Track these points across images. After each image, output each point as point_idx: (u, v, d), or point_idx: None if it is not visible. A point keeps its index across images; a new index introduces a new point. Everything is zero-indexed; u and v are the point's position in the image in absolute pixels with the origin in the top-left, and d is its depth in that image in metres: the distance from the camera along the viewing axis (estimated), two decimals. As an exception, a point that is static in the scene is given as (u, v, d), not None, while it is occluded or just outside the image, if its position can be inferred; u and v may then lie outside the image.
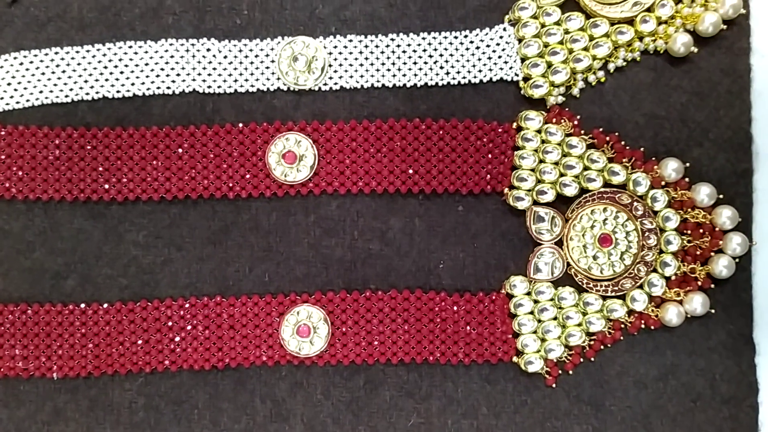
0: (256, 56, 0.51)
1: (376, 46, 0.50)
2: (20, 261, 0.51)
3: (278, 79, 0.50)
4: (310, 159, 0.50)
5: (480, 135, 0.50)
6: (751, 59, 0.51)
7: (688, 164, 0.50)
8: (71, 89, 0.51)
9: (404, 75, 0.50)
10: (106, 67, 0.51)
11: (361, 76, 0.50)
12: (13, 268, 0.51)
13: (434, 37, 0.50)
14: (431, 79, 0.50)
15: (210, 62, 0.51)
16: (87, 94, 0.51)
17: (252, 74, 0.51)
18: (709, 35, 0.50)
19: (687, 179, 0.50)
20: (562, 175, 0.50)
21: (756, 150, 0.51)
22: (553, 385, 0.50)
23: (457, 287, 0.51)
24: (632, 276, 0.50)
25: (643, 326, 0.50)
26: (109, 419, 0.50)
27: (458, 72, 0.50)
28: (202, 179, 0.50)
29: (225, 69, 0.51)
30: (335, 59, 0.50)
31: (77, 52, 0.51)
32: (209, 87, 0.51)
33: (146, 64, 0.51)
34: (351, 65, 0.50)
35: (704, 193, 0.49)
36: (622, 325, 0.50)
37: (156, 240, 0.51)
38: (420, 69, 0.50)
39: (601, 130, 0.50)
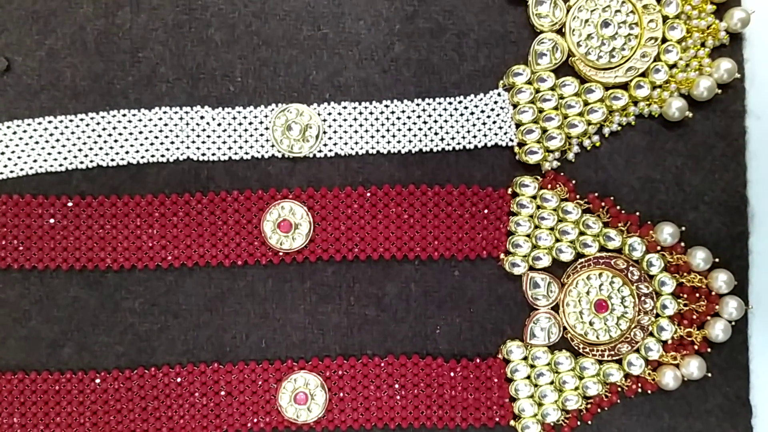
0: (250, 123, 0.50)
1: (371, 113, 0.50)
2: (17, 329, 0.51)
3: (272, 146, 0.50)
4: (305, 227, 0.50)
5: (475, 201, 0.50)
6: (746, 121, 0.51)
7: (683, 228, 0.50)
8: (65, 158, 0.50)
9: (399, 141, 0.50)
10: (100, 136, 0.50)
11: (356, 143, 0.50)
12: (10, 337, 0.51)
13: (428, 103, 0.50)
14: (426, 145, 0.50)
15: (204, 130, 0.50)
16: (81, 162, 0.50)
17: (246, 141, 0.50)
18: (704, 99, 0.50)
19: (682, 243, 0.50)
20: (557, 240, 0.50)
21: (752, 212, 0.51)
22: (551, 450, 0.50)
23: (454, 352, 0.51)
24: (629, 340, 0.50)
25: (639, 390, 0.50)
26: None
27: (453, 138, 0.50)
28: (198, 247, 0.50)
29: (219, 137, 0.50)
30: (330, 126, 0.50)
31: (71, 120, 0.51)
32: (203, 154, 0.50)
33: (140, 133, 0.50)
34: (345, 132, 0.50)
35: (700, 257, 0.49)
36: (619, 389, 0.50)
37: (152, 307, 0.51)
38: (415, 135, 0.50)
39: (596, 194, 0.50)
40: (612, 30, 0.49)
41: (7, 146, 0.50)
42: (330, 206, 0.50)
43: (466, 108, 0.50)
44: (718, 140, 0.51)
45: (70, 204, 0.50)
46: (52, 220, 0.50)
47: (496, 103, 0.50)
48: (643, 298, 0.50)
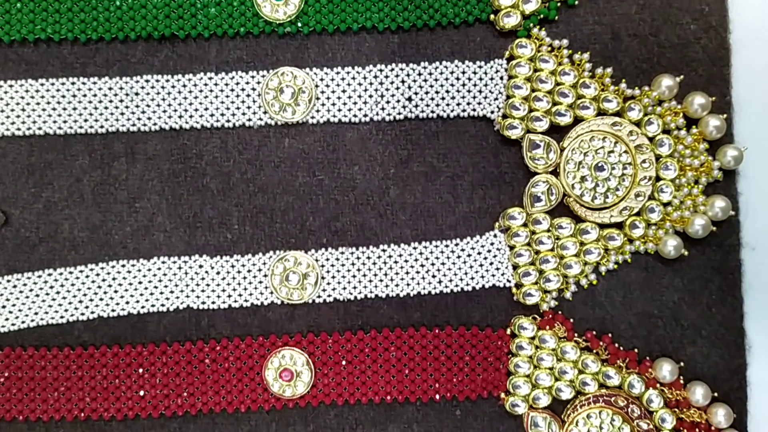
0: (249, 271, 0.51)
1: (368, 258, 0.51)
2: (23, 479, 0.51)
3: (271, 293, 0.51)
4: (306, 375, 0.50)
5: (474, 342, 0.50)
6: (741, 254, 0.51)
7: (681, 363, 0.50)
8: (66, 310, 0.51)
9: (397, 285, 0.51)
10: (99, 287, 0.51)
11: (354, 288, 0.51)
12: (17, 486, 0.51)
13: (425, 247, 0.51)
14: (424, 288, 0.51)
15: (203, 278, 0.51)
16: (82, 314, 0.51)
17: (245, 289, 0.51)
18: (699, 237, 0.50)
19: (681, 379, 0.50)
20: (557, 379, 0.50)
21: (749, 344, 0.51)
22: None
23: (457, 489, 0.51)
24: (630, 476, 0.50)
25: None
26: None
27: (450, 280, 0.51)
28: (201, 394, 0.51)
29: (218, 285, 0.51)
30: (328, 272, 0.51)
31: (70, 272, 0.51)
32: (203, 303, 0.51)
33: (140, 283, 0.51)
34: (344, 277, 0.51)
35: (699, 393, 0.50)
36: None
37: (157, 454, 0.51)
38: (412, 278, 0.51)
39: (594, 332, 0.51)
40: (606, 173, 0.50)
41: (7, 300, 0.51)
42: (330, 351, 0.51)
43: (462, 250, 0.51)
44: (714, 274, 0.51)
45: (71, 355, 0.50)
46: (54, 372, 0.50)
47: (492, 245, 0.51)
48: (643, 434, 0.50)
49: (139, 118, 0.51)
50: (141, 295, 0.51)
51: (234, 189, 0.51)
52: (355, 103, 0.51)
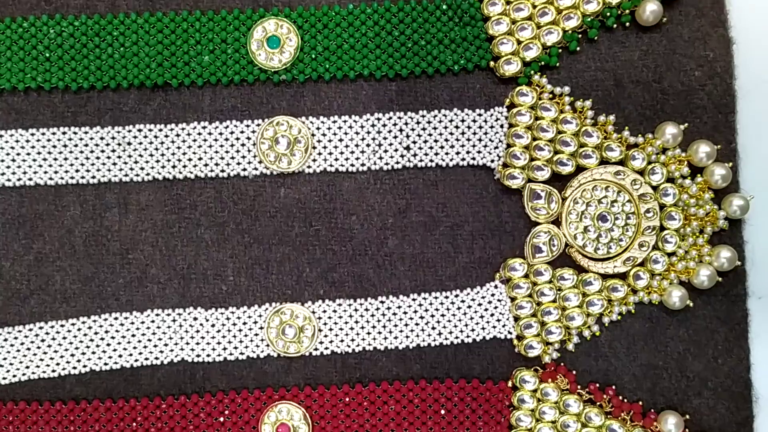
0: (244, 324, 0.50)
1: (366, 309, 0.50)
2: None
3: (267, 346, 0.50)
4: (304, 430, 0.49)
5: (475, 395, 0.49)
6: (748, 303, 0.50)
7: (687, 416, 0.49)
8: (57, 363, 0.50)
9: (396, 337, 0.50)
10: (92, 340, 0.50)
11: (352, 340, 0.50)
12: None
13: (425, 298, 0.50)
14: (423, 340, 0.50)
15: (198, 331, 0.50)
16: (74, 368, 0.50)
17: (241, 342, 0.50)
18: (705, 288, 0.49)
19: (687, 430, 0.49)
20: (560, 433, 0.49)
21: (756, 396, 0.50)
22: None
23: None
24: None
25: None
26: None
27: (450, 332, 0.50)
28: (196, 449, 0.50)
29: (213, 337, 0.50)
30: (325, 324, 0.50)
31: (62, 325, 0.50)
32: (198, 356, 0.50)
33: (133, 336, 0.50)
34: (341, 329, 0.50)
35: (705, 447, 0.49)
36: None
37: None
38: (411, 330, 0.50)
39: (597, 384, 0.50)
40: (609, 223, 0.49)
41: (-2, 354, 0.50)
42: (328, 405, 0.50)
43: (463, 302, 0.50)
44: (720, 325, 0.50)
45: (63, 410, 0.49)
46: (46, 427, 0.49)
47: (493, 296, 0.50)
48: (648, 489, 0.49)
49: (131, 168, 0.50)
50: (134, 348, 0.50)
51: (229, 240, 0.50)
52: (352, 152, 0.50)
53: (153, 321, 0.50)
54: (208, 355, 0.50)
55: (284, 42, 0.49)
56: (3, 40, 0.50)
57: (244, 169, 0.50)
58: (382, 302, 0.50)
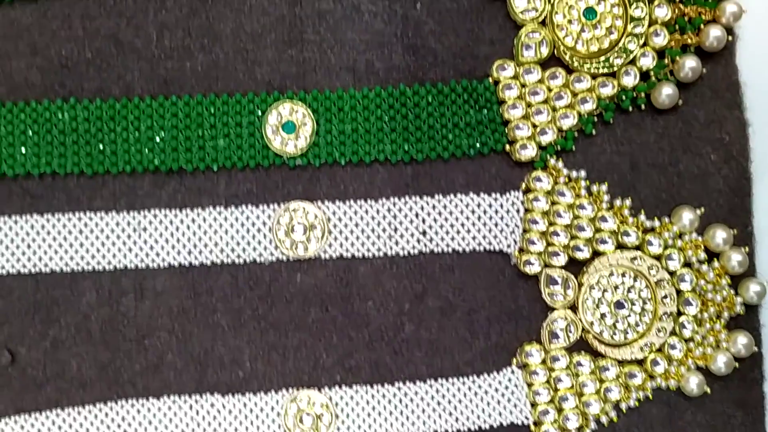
0: (261, 410, 0.50)
1: (383, 396, 0.50)
2: None
3: (285, 432, 0.50)
4: None
5: (493, 480, 0.49)
6: (764, 387, 0.50)
7: (704, 501, 0.49)
8: (74, 450, 0.50)
9: (413, 423, 0.50)
10: (108, 427, 0.50)
11: (369, 426, 0.50)
12: None
13: (441, 384, 0.50)
14: (440, 426, 0.49)
15: (215, 417, 0.50)
16: (91, 454, 0.50)
17: (258, 428, 0.50)
18: (722, 374, 0.49)
19: None
20: None
21: (774, 477, 0.50)
22: None
23: None
24: None
25: None
26: None
27: (467, 418, 0.49)
28: None
29: (230, 424, 0.50)
30: (342, 410, 0.50)
31: (78, 412, 0.50)
32: (215, 441, 0.50)
33: (149, 422, 0.50)
34: (359, 416, 0.50)
35: None
36: None
37: None
38: (429, 416, 0.49)
39: (615, 469, 0.50)
40: (626, 310, 0.49)
41: (14, 440, 0.50)
42: (346, 490, 0.50)
43: (480, 387, 0.49)
44: (736, 409, 0.50)
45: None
46: None
47: (510, 381, 0.49)
48: None
49: (147, 254, 0.50)
50: (151, 434, 0.50)
51: (245, 325, 0.50)
52: (368, 237, 0.50)
53: (170, 408, 0.50)
54: (225, 440, 0.50)
55: (300, 127, 0.49)
56: (17, 124, 0.49)
57: (260, 255, 0.50)
58: (399, 388, 0.50)
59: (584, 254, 0.49)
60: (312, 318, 0.50)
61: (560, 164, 0.49)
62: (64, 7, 0.50)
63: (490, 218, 0.49)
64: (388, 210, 0.50)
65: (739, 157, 0.49)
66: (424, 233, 0.50)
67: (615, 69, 0.49)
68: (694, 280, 0.49)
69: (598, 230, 0.49)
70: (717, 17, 0.49)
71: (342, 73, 0.50)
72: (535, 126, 0.49)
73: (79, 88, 0.50)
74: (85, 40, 0.50)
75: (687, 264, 0.49)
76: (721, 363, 0.48)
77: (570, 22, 0.49)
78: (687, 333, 0.49)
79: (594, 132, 0.50)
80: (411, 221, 0.50)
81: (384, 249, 0.50)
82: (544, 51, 0.49)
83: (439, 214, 0.50)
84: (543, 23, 0.49)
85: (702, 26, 0.49)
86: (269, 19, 0.50)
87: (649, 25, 0.49)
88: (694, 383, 0.49)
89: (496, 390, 0.50)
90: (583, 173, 0.49)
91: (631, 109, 0.50)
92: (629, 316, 0.49)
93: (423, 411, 0.50)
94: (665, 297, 0.49)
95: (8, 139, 0.49)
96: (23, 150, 0.49)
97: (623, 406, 0.49)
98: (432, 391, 0.50)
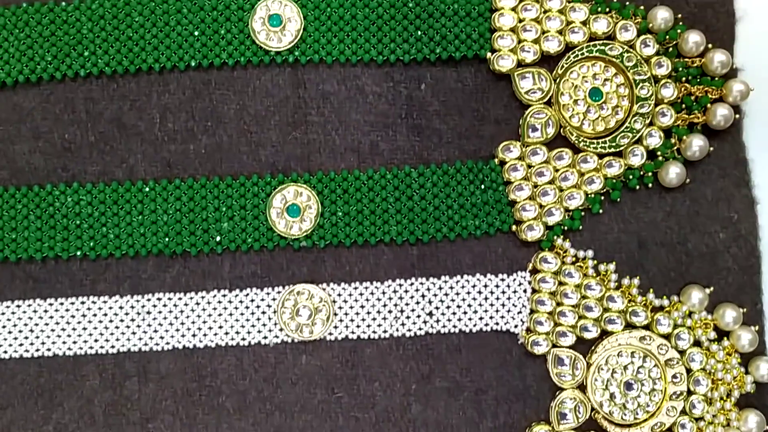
0: (268, 494, 0.49)
1: (391, 478, 0.49)
2: None
3: None
4: None
5: None
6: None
7: None
8: None
9: (421, 506, 0.49)
10: None
11: None
12: None
13: (450, 466, 0.49)
14: None
15: (220, 502, 0.49)
16: None
17: None
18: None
19: None
20: None
21: None
22: None
23: None
24: None
25: None
26: None
27: (476, 501, 0.49)
28: None
29: (236, 508, 0.49)
30: (349, 493, 0.49)
31: (83, 498, 0.49)
32: None
33: (155, 507, 0.49)
34: (366, 499, 0.49)
35: None
36: None
37: None
38: (437, 499, 0.49)
39: None
40: (636, 391, 0.48)
41: None
42: None
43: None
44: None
45: None
46: None
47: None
48: None
49: (151, 338, 0.49)
50: None
51: (251, 408, 0.49)
52: (374, 319, 0.49)
53: (175, 491, 0.49)
54: None
55: (304, 210, 0.48)
56: (20, 209, 0.49)
57: (265, 337, 0.49)
58: (407, 470, 0.49)
59: (592, 334, 0.48)
60: (318, 400, 0.49)
61: (567, 244, 0.49)
62: (67, 91, 0.50)
63: (497, 299, 0.49)
64: (394, 291, 0.49)
65: (747, 235, 0.49)
66: (430, 314, 0.49)
67: (621, 148, 0.49)
68: (704, 359, 0.48)
69: (606, 310, 0.49)
70: (724, 96, 0.48)
71: (347, 154, 0.50)
72: (541, 206, 0.49)
73: (83, 171, 0.50)
74: (89, 123, 0.50)
75: (697, 343, 0.49)
76: (735, 448, 0.48)
77: (576, 102, 0.48)
78: (697, 412, 0.48)
79: (601, 210, 0.49)
80: (417, 302, 0.49)
81: (390, 330, 0.49)
82: (550, 131, 0.48)
83: (446, 295, 0.49)
84: (548, 103, 0.49)
85: (709, 105, 0.48)
86: (273, 101, 0.49)
87: (656, 105, 0.48)
88: (708, 470, 0.48)
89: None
90: (590, 253, 0.49)
91: (638, 187, 0.49)
92: (639, 396, 0.48)
93: (431, 494, 0.49)
94: (675, 376, 0.48)
95: (11, 223, 0.49)
96: (26, 234, 0.49)
97: (636, 485, 0.49)
98: (440, 474, 0.49)
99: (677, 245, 0.49)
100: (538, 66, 0.49)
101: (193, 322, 0.49)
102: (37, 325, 0.49)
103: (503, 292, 0.49)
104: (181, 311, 0.49)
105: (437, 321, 0.49)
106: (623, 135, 0.48)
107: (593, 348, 0.49)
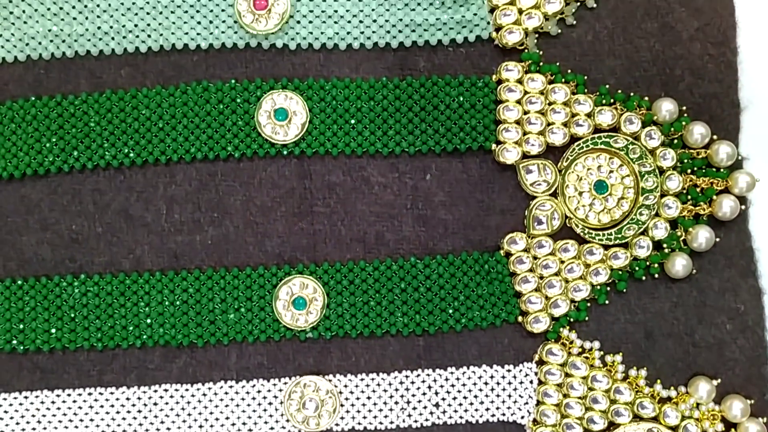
0: None
1: None
2: None
3: None
4: None
5: None
6: None
7: None
8: None
9: None
10: None
11: None
12: None
13: None
14: None
15: None
16: None
17: None
18: None
19: None
20: None
21: None
22: None
23: None
24: None
25: None
26: None
27: None
28: None
29: None
30: None
31: None
32: None
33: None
34: None
35: None
36: None
37: None
38: None
39: None
40: (644, 481, 0.48)
41: None
42: None
43: None
44: None
45: None
46: None
47: None
48: None
49: (158, 429, 0.49)
50: None
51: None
52: (380, 410, 0.49)
53: None
54: None
55: (310, 302, 0.49)
56: (27, 300, 0.49)
57: (272, 428, 0.49)
58: None
59: (599, 426, 0.48)
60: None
61: (573, 335, 0.49)
62: (74, 182, 0.50)
63: (504, 390, 0.49)
64: (401, 383, 0.49)
65: (754, 326, 0.49)
66: (437, 405, 0.49)
67: (627, 240, 0.48)
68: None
69: (613, 402, 0.48)
70: (729, 187, 0.48)
71: (352, 245, 0.50)
72: (547, 298, 0.49)
73: (90, 262, 0.50)
74: (96, 214, 0.50)
75: (704, 434, 0.48)
76: None
77: (581, 194, 0.49)
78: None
79: (607, 301, 0.49)
80: (424, 393, 0.49)
81: (396, 422, 0.49)
82: (556, 223, 0.49)
83: (452, 386, 0.49)
84: (554, 194, 0.49)
85: (714, 196, 0.48)
86: (279, 192, 0.50)
87: (661, 196, 0.48)
88: None
89: None
90: (597, 344, 0.49)
91: (644, 277, 0.49)
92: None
93: None
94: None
95: (19, 314, 0.49)
96: (33, 325, 0.49)
97: None
98: None
99: (684, 336, 0.49)
100: (543, 157, 0.49)
101: (200, 413, 0.49)
102: (44, 416, 0.49)
103: (509, 383, 0.49)
104: (188, 402, 0.49)
105: (444, 412, 0.49)
106: (629, 226, 0.48)
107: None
